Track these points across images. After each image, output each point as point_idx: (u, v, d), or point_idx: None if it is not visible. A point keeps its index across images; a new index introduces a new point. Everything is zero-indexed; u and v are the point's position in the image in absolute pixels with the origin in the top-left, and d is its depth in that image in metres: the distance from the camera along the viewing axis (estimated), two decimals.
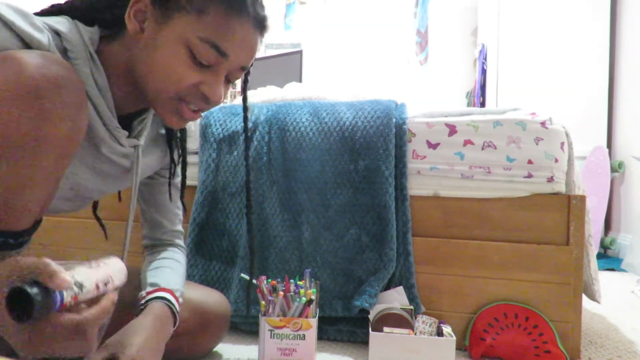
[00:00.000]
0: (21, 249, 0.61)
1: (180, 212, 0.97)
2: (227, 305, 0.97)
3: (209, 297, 0.94)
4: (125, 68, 0.68)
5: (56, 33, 0.60)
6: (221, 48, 0.64)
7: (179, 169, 0.93)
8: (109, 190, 0.81)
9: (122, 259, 0.79)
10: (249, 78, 0.77)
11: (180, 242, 0.98)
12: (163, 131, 0.87)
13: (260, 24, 0.68)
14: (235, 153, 1.23)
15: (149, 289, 0.82)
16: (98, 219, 0.93)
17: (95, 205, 0.92)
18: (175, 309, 0.81)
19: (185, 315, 0.88)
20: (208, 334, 0.93)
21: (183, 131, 0.86)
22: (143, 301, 0.80)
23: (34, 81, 0.51)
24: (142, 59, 0.66)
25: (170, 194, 0.91)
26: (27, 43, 0.56)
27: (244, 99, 0.80)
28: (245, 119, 0.80)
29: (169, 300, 0.80)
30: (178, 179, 0.96)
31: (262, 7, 0.69)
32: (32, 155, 0.53)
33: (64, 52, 0.61)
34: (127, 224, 0.81)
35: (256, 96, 1.44)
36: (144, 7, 0.64)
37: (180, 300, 0.84)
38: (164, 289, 0.82)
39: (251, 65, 0.73)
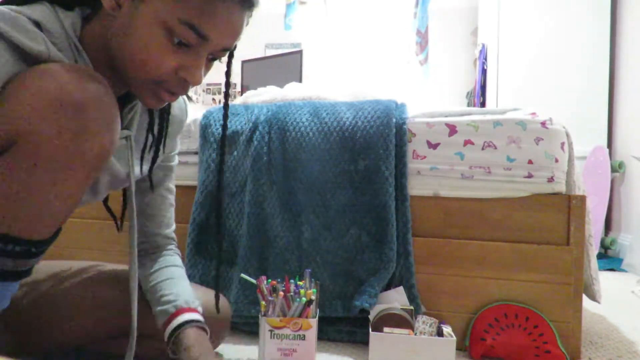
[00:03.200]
0: (39, 257, 0.61)
1: (172, 197, 0.93)
2: (228, 308, 0.96)
3: (210, 301, 0.92)
4: (104, 48, 0.64)
5: (36, 24, 0.58)
6: (202, 31, 0.59)
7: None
8: (113, 188, 0.79)
9: (131, 256, 0.77)
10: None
11: (172, 234, 0.95)
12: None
13: (248, 2, 0.63)
14: (235, 153, 1.23)
15: (171, 309, 0.81)
16: (109, 209, 0.89)
17: (106, 197, 0.88)
18: (205, 324, 0.82)
19: None
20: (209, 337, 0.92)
21: (164, 111, 0.80)
22: (172, 326, 0.79)
23: (75, 96, 0.52)
24: (118, 40, 0.62)
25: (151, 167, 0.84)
26: (26, 52, 0.55)
27: (226, 99, 0.74)
28: (225, 117, 0.75)
29: (198, 321, 0.80)
30: (175, 162, 0.92)
31: None
32: (69, 168, 0.54)
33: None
34: (131, 223, 0.77)
35: (256, 96, 1.43)
36: None
37: (200, 309, 0.84)
38: (189, 310, 0.81)
39: (234, 47, 0.68)
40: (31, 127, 0.51)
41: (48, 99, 0.51)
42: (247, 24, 0.67)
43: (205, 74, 0.67)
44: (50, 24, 0.59)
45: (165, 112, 0.79)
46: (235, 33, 0.64)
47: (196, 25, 0.59)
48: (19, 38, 0.54)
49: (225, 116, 0.76)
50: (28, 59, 0.55)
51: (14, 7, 0.57)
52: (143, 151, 0.80)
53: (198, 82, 0.64)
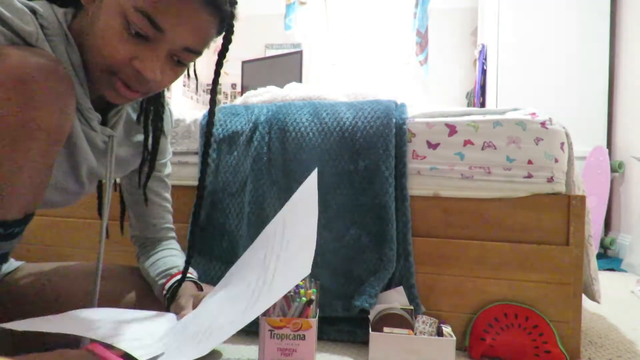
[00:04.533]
0: (12, 241, 0.60)
1: (169, 205, 0.98)
2: None
3: None
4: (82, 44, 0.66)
5: (32, 11, 0.60)
6: (156, 21, 0.60)
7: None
8: (95, 178, 0.80)
9: (99, 255, 0.80)
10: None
11: (173, 234, 1.00)
12: (138, 134, 0.85)
13: (212, 4, 0.63)
14: (235, 153, 1.23)
15: (162, 279, 0.89)
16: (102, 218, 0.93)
17: (100, 205, 0.92)
18: (198, 282, 0.92)
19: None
20: None
21: (157, 113, 0.83)
22: (168, 286, 0.88)
23: (19, 69, 0.52)
24: (86, 30, 0.63)
25: (139, 181, 0.88)
26: (16, 33, 0.56)
27: (212, 103, 0.78)
28: (211, 124, 0.79)
29: (190, 278, 0.90)
30: (167, 171, 0.96)
31: None
32: (20, 141, 0.53)
33: (41, 29, 0.61)
34: (102, 220, 0.81)
35: (256, 96, 1.44)
36: None
37: (195, 274, 0.93)
38: (179, 272, 0.90)
39: (221, 59, 0.71)
40: None
41: None
42: (218, 32, 0.67)
43: (173, 78, 0.67)
44: (44, 12, 0.60)
45: (157, 130, 0.83)
46: (196, 31, 0.63)
47: (150, 14, 0.59)
48: (10, 17, 0.55)
49: (209, 133, 0.80)
50: (18, 40, 0.56)
51: None
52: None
53: (152, 76, 0.63)
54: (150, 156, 0.84)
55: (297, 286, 0.98)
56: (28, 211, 0.60)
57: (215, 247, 1.21)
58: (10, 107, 0.51)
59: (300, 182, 1.17)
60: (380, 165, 1.12)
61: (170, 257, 0.94)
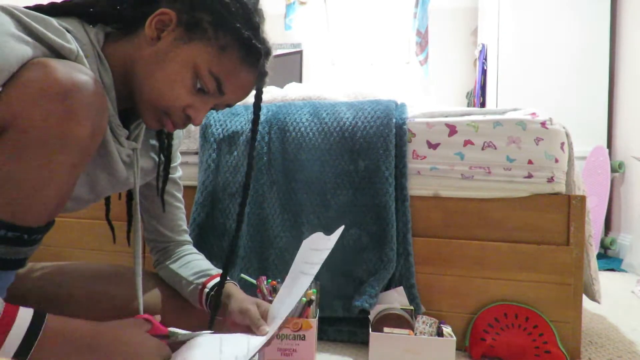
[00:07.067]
0: (33, 247, 0.62)
1: (183, 207, 0.98)
2: None
3: None
4: (126, 65, 0.69)
5: (66, 30, 0.62)
6: (223, 86, 0.69)
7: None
8: (114, 190, 0.81)
9: (135, 261, 0.80)
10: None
11: (189, 238, 1.00)
12: (153, 141, 0.86)
13: (262, 77, 0.73)
14: (235, 153, 1.23)
15: (205, 276, 0.87)
16: (109, 222, 0.93)
17: (107, 210, 0.92)
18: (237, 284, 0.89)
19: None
20: None
21: (169, 136, 0.87)
22: (208, 288, 0.85)
23: (62, 83, 0.54)
24: (146, 64, 0.68)
25: (157, 188, 0.90)
26: (56, 51, 0.58)
27: (255, 120, 0.78)
28: (255, 132, 0.78)
29: (230, 280, 0.88)
30: (178, 174, 0.96)
31: (270, 63, 0.75)
32: (56, 152, 0.55)
33: None
34: (133, 229, 0.82)
35: None
36: (168, 21, 0.67)
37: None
38: (219, 275, 0.88)
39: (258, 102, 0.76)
40: (19, 113, 0.53)
41: (35, 86, 0.53)
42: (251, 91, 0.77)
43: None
44: (78, 32, 0.64)
45: (170, 138, 0.86)
46: (245, 95, 0.75)
47: (221, 80, 0.69)
48: (50, 37, 0.57)
49: (254, 134, 0.78)
50: (57, 57, 0.58)
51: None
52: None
53: (199, 124, 0.73)
54: (165, 161, 0.87)
55: None
56: (50, 218, 0.61)
57: (215, 247, 1.21)
58: (51, 119, 0.54)
59: (300, 182, 1.17)
60: (380, 165, 1.12)
61: (201, 260, 0.94)
